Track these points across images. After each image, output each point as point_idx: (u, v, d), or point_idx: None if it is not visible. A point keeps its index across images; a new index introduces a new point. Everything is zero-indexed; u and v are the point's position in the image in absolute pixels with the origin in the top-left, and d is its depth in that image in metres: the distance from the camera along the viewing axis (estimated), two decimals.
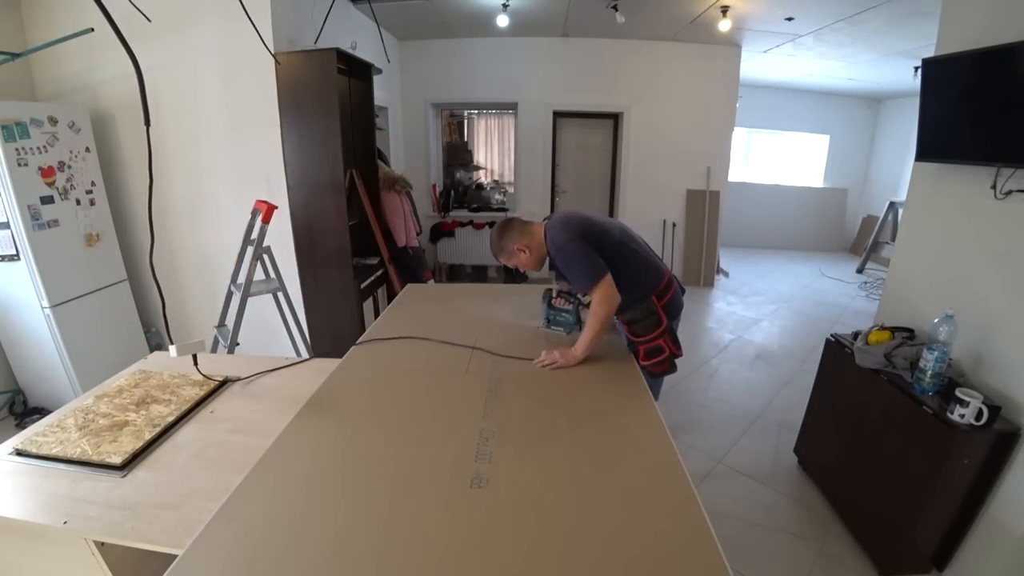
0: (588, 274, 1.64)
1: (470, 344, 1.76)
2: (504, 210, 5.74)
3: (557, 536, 0.89)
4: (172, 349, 1.41)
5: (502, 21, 4.14)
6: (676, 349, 1.88)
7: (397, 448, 1.18)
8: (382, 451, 1.17)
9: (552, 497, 1.00)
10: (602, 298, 1.63)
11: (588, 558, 0.85)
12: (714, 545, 0.87)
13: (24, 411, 2.79)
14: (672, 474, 1.07)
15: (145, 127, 1.09)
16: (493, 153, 7.38)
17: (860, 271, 6.30)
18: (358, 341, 1.81)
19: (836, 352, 2.22)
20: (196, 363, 1.52)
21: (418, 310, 2.22)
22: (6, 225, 2.41)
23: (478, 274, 5.83)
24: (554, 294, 1.92)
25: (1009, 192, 1.70)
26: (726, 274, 6.04)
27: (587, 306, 1.70)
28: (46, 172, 2.51)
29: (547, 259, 1.81)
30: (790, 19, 3.85)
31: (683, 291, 2.01)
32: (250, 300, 2.42)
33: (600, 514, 0.95)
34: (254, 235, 2.43)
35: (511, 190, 6.24)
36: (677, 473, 1.07)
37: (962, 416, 1.57)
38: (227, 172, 2.99)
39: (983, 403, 1.55)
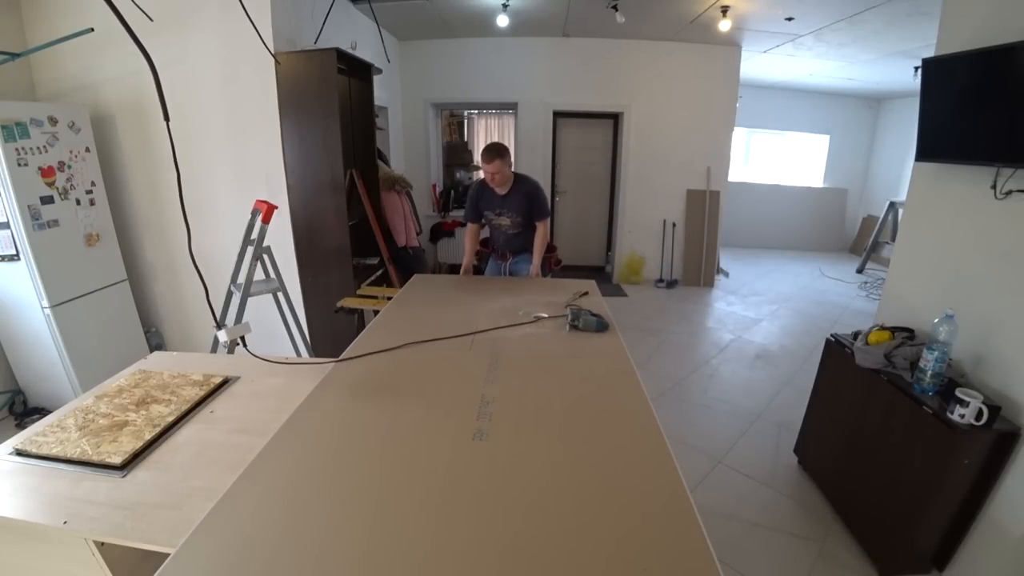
0: (548, 210, 2.68)
1: (472, 330, 1.83)
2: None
3: (550, 482, 1.01)
4: (221, 333, 1.44)
5: (502, 21, 4.14)
6: None
7: (405, 411, 1.29)
8: (392, 417, 1.27)
9: (546, 450, 1.12)
10: (548, 227, 2.69)
11: (577, 500, 0.96)
12: (683, 490, 0.97)
13: (24, 411, 2.79)
14: (649, 431, 1.20)
15: (166, 122, 1.12)
16: None
17: (860, 271, 6.30)
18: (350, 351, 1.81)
19: (836, 352, 2.22)
20: (245, 344, 1.55)
21: (423, 299, 2.32)
22: (6, 225, 2.41)
23: (477, 274, 5.82)
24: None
25: (1009, 192, 1.70)
26: (726, 274, 6.04)
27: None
28: (46, 172, 2.51)
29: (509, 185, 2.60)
30: (790, 19, 3.85)
31: None
32: (250, 300, 2.42)
33: (589, 465, 1.07)
34: (254, 235, 2.43)
35: None
36: (653, 430, 1.20)
37: (962, 416, 1.57)
38: (227, 172, 2.99)
39: (983, 403, 1.55)
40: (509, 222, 2.67)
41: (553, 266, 2.88)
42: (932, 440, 1.65)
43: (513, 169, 2.69)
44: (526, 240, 2.70)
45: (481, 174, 2.96)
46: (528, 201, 2.60)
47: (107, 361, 2.67)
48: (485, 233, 2.93)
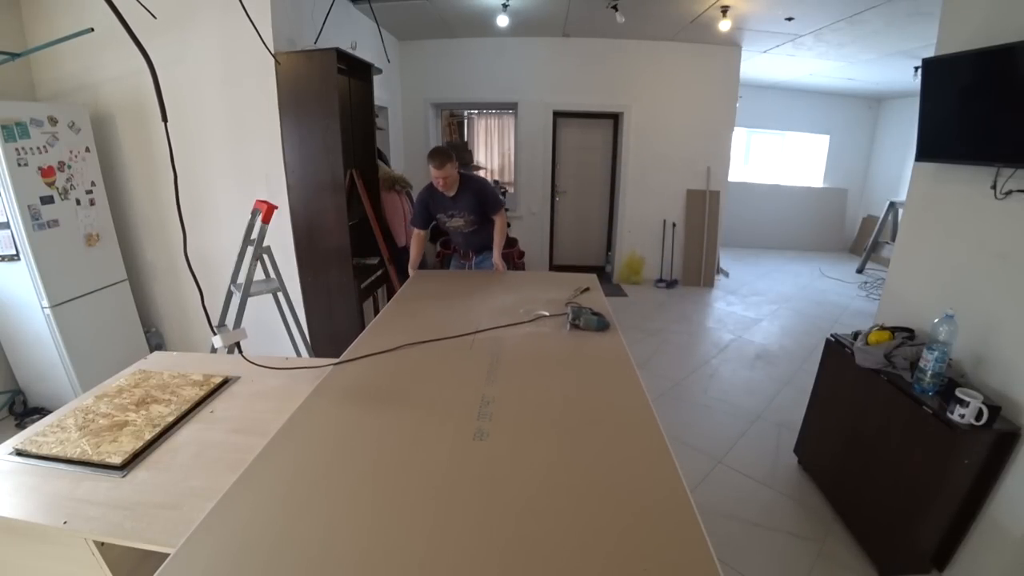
0: (500, 202, 2.75)
1: (473, 329, 1.83)
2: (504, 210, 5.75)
3: (550, 482, 1.01)
4: (216, 339, 1.42)
5: (502, 21, 4.14)
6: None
7: (405, 411, 1.30)
8: (392, 417, 1.28)
9: (546, 450, 1.12)
10: (505, 219, 2.78)
11: (577, 500, 0.96)
12: (683, 490, 0.97)
13: (24, 411, 2.79)
14: (648, 429, 1.20)
15: (163, 123, 1.11)
16: (493, 153, 7.37)
17: (860, 271, 6.30)
18: (352, 352, 1.81)
19: (836, 352, 2.22)
20: (241, 350, 1.53)
21: (424, 296, 2.34)
22: (6, 225, 2.41)
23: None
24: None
25: (1009, 192, 1.70)
26: (726, 274, 6.04)
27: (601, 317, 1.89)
28: (46, 172, 2.51)
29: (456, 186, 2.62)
30: (790, 19, 3.85)
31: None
32: (250, 300, 2.42)
33: (590, 465, 1.07)
34: (254, 235, 2.43)
35: (511, 190, 6.24)
36: (653, 428, 1.20)
37: (962, 416, 1.57)
38: (227, 172, 2.99)
39: (983, 403, 1.55)
40: (463, 222, 2.71)
41: (516, 259, 3.04)
42: (932, 440, 1.65)
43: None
44: (485, 237, 2.75)
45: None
46: (478, 198, 2.64)
47: (107, 361, 2.67)
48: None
